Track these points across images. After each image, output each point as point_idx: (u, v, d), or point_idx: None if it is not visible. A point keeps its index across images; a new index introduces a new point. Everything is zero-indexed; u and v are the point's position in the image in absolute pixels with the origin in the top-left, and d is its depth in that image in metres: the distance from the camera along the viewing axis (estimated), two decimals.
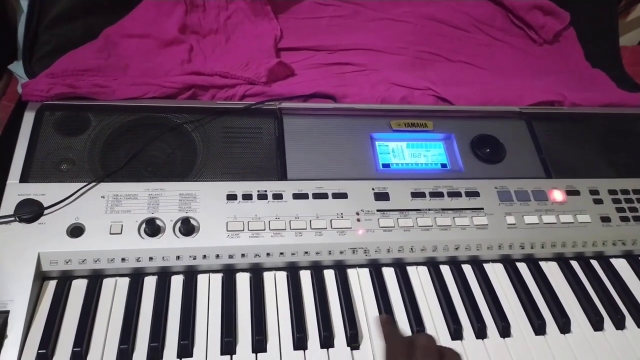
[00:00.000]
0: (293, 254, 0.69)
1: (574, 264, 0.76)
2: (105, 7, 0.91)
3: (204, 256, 0.67)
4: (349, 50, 1.02)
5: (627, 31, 1.35)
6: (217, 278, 0.68)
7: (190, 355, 0.60)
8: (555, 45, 1.16)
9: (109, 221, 0.67)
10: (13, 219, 0.65)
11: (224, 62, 0.89)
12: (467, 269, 0.74)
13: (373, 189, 0.75)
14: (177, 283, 0.66)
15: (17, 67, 0.87)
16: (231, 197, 0.71)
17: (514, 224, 0.75)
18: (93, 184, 0.69)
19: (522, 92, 0.97)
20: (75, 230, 0.66)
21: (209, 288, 0.67)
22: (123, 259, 0.65)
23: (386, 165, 0.80)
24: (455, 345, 0.65)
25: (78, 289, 0.64)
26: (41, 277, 0.64)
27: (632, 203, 0.81)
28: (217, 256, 0.67)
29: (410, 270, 0.72)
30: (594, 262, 0.77)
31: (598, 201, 0.80)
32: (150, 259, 0.66)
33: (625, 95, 1.02)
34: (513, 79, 1.04)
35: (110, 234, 0.66)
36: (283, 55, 0.99)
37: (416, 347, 0.53)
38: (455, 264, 0.74)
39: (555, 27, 1.15)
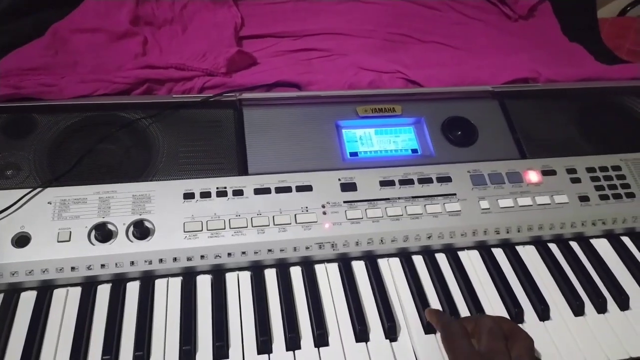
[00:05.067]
0: (256, 252, 0.66)
1: (553, 246, 0.73)
2: (56, 0, 0.87)
3: (161, 260, 0.63)
4: (315, 35, 0.99)
5: (606, 3, 1.31)
6: (176, 282, 0.64)
7: None
8: (531, 20, 1.13)
9: (56, 228, 0.63)
10: None
11: (181, 54, 0.85)
12: (441, 258, 0.71)
13: (339, 180, 0.72)
14: (132, 290, 0.63)
15: None
16: (188, 195, 0.67)
17: (488, 208, 0.72)
18: (39, 189, 0.65)
19: (496, 71, 0.93)
20: (21, 240, 0.62)
21: (167, 293, 0.63)
22: (73, 268, 0.61)
23: (354, 154, 0.76)
24: (429, 339, 0.62)
25: (26, 302, 0.61)
26: None
27: (611, 180, 0.77)
28: (175, 259, 0.64)
29: (382, 262, 0.69)
30: (574, 244, 0.74)
31: (575, 180, 0.76)
32: (102, 266, 0.62)
33: (603, 68, 0.99)
34: (487, 58, 1.01)
35: (58, 241, 0.62)
36: (246, 43, 0.94)
37: (482, 330, 0.54)
38: (428, 254, 0.70)
39: (530, 1, 1.11)
